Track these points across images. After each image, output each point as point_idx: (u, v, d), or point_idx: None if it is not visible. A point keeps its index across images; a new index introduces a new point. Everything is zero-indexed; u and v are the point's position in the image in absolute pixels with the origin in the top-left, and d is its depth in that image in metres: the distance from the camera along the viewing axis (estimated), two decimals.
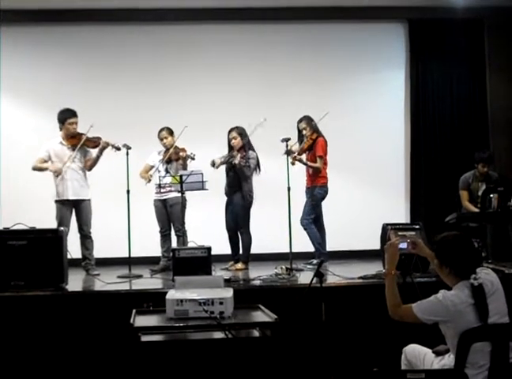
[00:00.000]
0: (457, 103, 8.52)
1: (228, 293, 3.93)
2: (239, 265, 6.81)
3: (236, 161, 6.70)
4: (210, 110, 7.87)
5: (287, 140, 6.62)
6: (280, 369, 3.81)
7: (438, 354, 3.43)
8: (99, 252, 6.76)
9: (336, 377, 3.51)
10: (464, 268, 3.24)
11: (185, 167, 6.78)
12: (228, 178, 6.93)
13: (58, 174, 6.45)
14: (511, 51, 8.46)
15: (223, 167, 6.96)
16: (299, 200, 6.95)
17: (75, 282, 5.81)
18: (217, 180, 6.94)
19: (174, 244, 6.83)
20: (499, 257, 6.46)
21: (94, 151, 6.64)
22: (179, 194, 6.57)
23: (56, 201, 6.53)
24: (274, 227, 7.48)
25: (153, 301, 4.42)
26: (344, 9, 8.24)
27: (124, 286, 5.71)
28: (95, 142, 6.55)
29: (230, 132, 6.93)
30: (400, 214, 8.26)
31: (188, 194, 6.73)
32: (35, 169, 6.57)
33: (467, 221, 6.69)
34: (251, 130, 6.74)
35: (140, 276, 6.27)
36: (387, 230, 6.12)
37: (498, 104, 8.47)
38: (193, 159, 6.68)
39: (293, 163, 6.68)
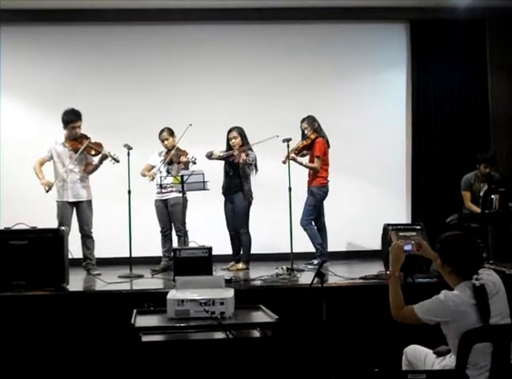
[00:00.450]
0: (458, 103, 8.52)
1: (229, 293, 3.93)
2: (240, 265, 6.81)
3: (241, 159, 6.70)
4: (211, 110, 7.87)
5: (288, 140, 6.61)
6: (281, 370, 3.81)
7: (439, 354, 3.43)
8: (100, 252, 6.77)
9: (337, 378, 3.51)
10: (466, 268, 3.24)
11: (187, 169, 6.78)
12: (228, 178, 6.92)
13: (48, 188, 6.43)
14: None
15: (221, 167, 6.95)
16: (301, 201, 6.95)
17: (76, 282, 5.81)
18: (218, 180, 6.96)
19: (175, 244, 6.83)
20: (500, 258, 6.45)
21: (95, 158, 6.66)
22: (180, 194, 6.58)
23: (57, 201, 6.53)
24: (275, 228, 7.48)
25: (154, 301, 4.43)
26: (346, 9, 8.23)
27: (125, 286, 5.71)
28: (96, 150, 6.56)
29: (230, 131, 6.93)
30: (402, 214, 8.26)
31: (189, 194, 6.74)
32: (34, 170, 6.57)
33: (468, 222, 6.68)
34: (260, 141, 6.74)
35: (141, 276, 6.27)
36: (388, 231, 6.12)
37: (499, 104, 8.46)
38: (194, 163, 6.68)
39: (284, 162, 6.64)
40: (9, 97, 8.06)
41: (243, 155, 6.69)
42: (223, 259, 6.86)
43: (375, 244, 6.73)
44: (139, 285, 5.78)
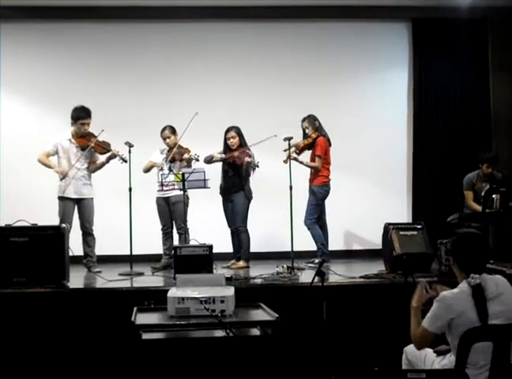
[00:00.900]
0: (459, 102, 8.50)
1: (230, 291, 3.94)
2: (241, 263, 6.81)
3: (245, 162, 6.69)
4: (212, 109, 7.84)
5: (289, 139, 6.61)
6: (281, 368, 3.81)
7: (439, 353, 3.43)
8: (100, 249, 6.77)
9: (337, 377, 3.51)
10: (468, 265, 3.25)
11: (189, 167, 6.78)
12: (228, 179, 6.91)
13: (63, 176, 6.44)
14: None
15: (219, 167, 6.95)
16: (302, 199, 6.95)
17: (76, 279, 5.81)
18: (219, 178, 6.95)
19: (176, 242, 6.83)
20: (501, 258, 6.45)
21: (101, 156, 6.65)
22: (182, 192, 6.58)
23: (59, 197, 6.53)
24: (276, 226, 7.48)
25: (154, 299, 4.44)
26: (348, 8, 8.22)
27: (125, 283, 5.72)
28: (103, 149, 6.55)
29: (228, 131, 6.92)
30: (402, 214, 8.26)
31: (190, 192, 6.74)
32: (40, 162, 6.56)
33: (469, 221, 6.67)
34: (259, 141, 6.73)
35: (141, 274, 6.28)
36: (389, 230, 6.14)
37: (501, 104, 8.45)
38: (197, 160, 6.68)
39: (286, 161, 6.64)
40: (9, 94, 8.04)
41: (247, 158, 6.69)
42: (223, 257, 6.86)
43: (376, 243, 6.74)
44: (139, 283, 5.78)
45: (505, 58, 8.45)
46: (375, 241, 6.80)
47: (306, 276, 5.71)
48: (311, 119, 7.04)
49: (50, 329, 4.99)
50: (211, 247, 5.81)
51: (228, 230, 7.03)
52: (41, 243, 5.34)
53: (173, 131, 6.93)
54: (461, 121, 8.48)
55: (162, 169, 6.84)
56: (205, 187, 6.51)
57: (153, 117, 7.66)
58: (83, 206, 6.56)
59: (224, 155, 6.85)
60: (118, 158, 6.50)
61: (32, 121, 8.05)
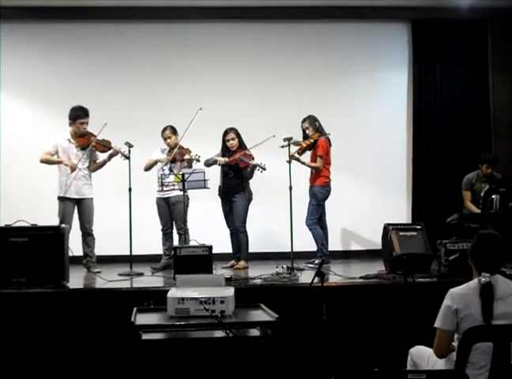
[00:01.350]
0: (459, 103, 8.50)
1: (229, 292, 3.93)
2: (241, 264, 6.81)
3: (251, 164, 6.68)
4: (211, 109, 7.80)
5: (289, 139, 6.61)
6: (281, 369, 3.81)
7: None
8: (100, 249, 6.76)
9: (336, 377, 3.51)
10: (481, 263, 3.27)
11: (190, 167, 6.78)
12: (229, 180, 6.90)
13: (72, 169, 6.41)
14: None
15: (218, 168, 6.96)
16: (302, 200, 6.95)
17: (76, 279, 5.81)
18: (218, 179, 6.95)
19: (175, 242, 6.83)
20: None
21: (101, 155, 6.65)
22: (182, 192, 6.58)
23: (59, 198, 6.52)
24: (276, 226, 7.48)
25: (154, 299, 4.43)
26: (347, 8, 8.22)
27: (125, 284, 5.71)
28: (104, 147, 6.54)
29: (227, 133, 6.91)
30: (402, 214, 8.25)
31: (189, 192, 6.74)
32: (43, 161, 6.53)
33: (468, 222, 6.68)
34: (259, 143, 6.72)
35: (141, 274, 6.28)
36: (388, 231, 6.13)
37: (500, 105, 8.45)
38: (198, 161, 6.68)
39: (289, 162, 6.65)
40: (9, 94, 8.04)
41: (252, 161, 6.69)
42: (223, 257, 6.87)
43: (376, 243, 6.74)
44: (139, 283, 5.78)
45: (505, 59, 8.46)
46: (375, 241, 6.79)
47: (306, 277, 5.70)
48: (312, 120, 7.04)
49: (50, 330, 4.99)
50: (211, 248, 5.81)
51: (228, 231, 7.03)
52: (41, 243, 5.33)
53: (174, 131, 6.93)
54: (460, 121, 8.48)
55: (166, 164, 6.82)
56: (204, 187, 6.51)
57: (153, 117, 7.67)
58: (83, 206, 6.55)
59: (227, 159, 6.83)
60: (120, 155, 6.49)
61: (31, 122, 8.04)
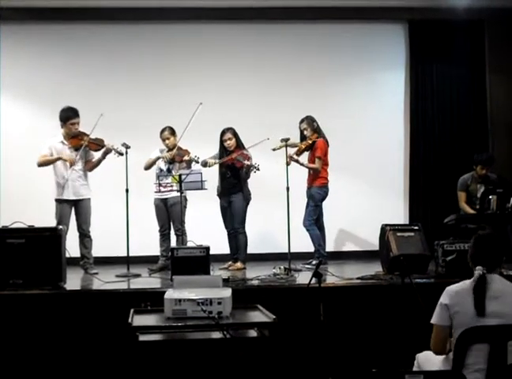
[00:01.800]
0: (456, 104, 8.51)
1: (227, 293, 3.93)
2: (238, 265, 6.81)
3: (245, 164, 6.68)
4: (210, 110, 7.81)
5: (286, 140, 6.62)
6: (278, 370, 3.81)
7: None
8: (97, 251, 6.76)
9: (334, 378, 3.51)
10: (479, 263, 3.28)
11: (189, 168, 6.77)
12: (226, 180, 6.90)
13: (72, 164, 6.41)
14: (511, 53, 8.46)
15: (216, 169, 6.95)
16: (299, 200, 6.95)
17: (73, 281, 5.80)
18: (216, 180, 6.95)
19: (173, 243, 6.82)
20: None
21: (96, 153, 6.64)
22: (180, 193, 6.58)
23: (56, 200, 6.52)
24: (273, 227, 7.48)
25: (151, 300, 4.42)
26: (344, 9, 8.22)
27: (122, 285, 5.71)
28: (97, 145, 6.54)
29: (224, 133, 6.91)
30: (400, 215, 8.26)
31: (188, 194, 6.74)
32: (42, 164, 6.52)
33: (466, 222, 6.69)
34: (253, 145, 6.73)
35: (138, 275, 6.27)
36: (386, 231, 6.13)
37: (498, 106, 8.46)
38: (197, 162, 6.68)
39: (288, 164, 6.66)
40: (9, 96, 8.04)
41: (247, 161, 6.68)
42: (220, 258, 6.87)
43: (373, 244, 6.74)
44: (136, 284, 5.78)
45: (501, 60, 8.46)
46: (372, 242, 6.80)
47: (304, 278, 5.70)
48: (310, 120, 7.03)
49: (47, 331, 4.98)
50: (208, 249, 5.80)
51: (225, 232, 7.03)
52: (38, 245, 5.31)
53: (172, 132, 6.92)
54: (457, 122, 8.48)
55: (168, 162, 6.80)
56: (202, 188, 6.51)
57: (151, 118, 7.67)
58: (80, 207, 6.54)
59: (217, 161, 6.82)
60: (113, 152, 6.48)
61: (30, 123, 8.04)
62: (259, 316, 3.97)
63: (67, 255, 5.60)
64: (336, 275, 5.86)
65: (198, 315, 3.73)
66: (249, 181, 6.92)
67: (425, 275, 5.75)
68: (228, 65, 8.21)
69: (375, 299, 5.26)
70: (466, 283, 3.26)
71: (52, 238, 5.39)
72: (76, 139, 6.52)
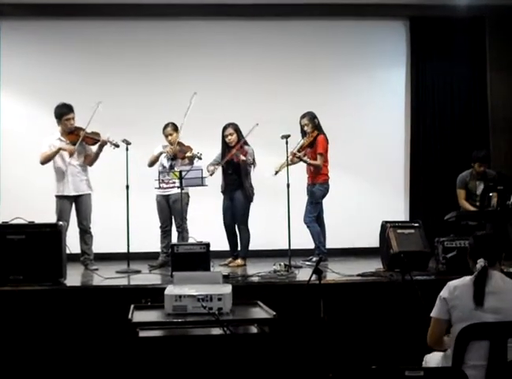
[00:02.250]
0: (457, 101, 8.51)
1: (227, 289, 3.93)
2: (238, 261, 6.81)
3: (241, 159, 6.68)
4: (210, 107, 7.82)
5: (286, 136, 6.61)
6: (279, 366, 3.81)
7: None
8: (97, 247, 6.76)
9: (334, 374, 3.51)
10: (476, 254, 3.32)
11: (191, 164, 6.76)
12: (228, 176, 6.90)
13: (71, 154, 6.43)
14: None
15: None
16: (299, 197, 6.94)
17: (73, 277, 5.80)
18: (217, 176, 6.94)
19: (174, 240, 6.82)
20: None
21: (93, 147, 6.63)
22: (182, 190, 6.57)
23: (56, 196, 6.52)
24: (273, 224, 7.47)
25: (152, 296, 4.43)
26: (345, 6, 8.21)
27: (122, 281, 5.72)
28: (93, 139, 6.55)
29: (225, 128, 6.90)
30: (400, 212, 8.26)
31: (190, 190, 6.73)
32: (44, 161, 6.52)
33: (466, 219, 6.69)
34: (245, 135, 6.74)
35: (138, 272, 6.27)
36: (386, 228, 6.13)
37: (498, 103, 8.46)
38: (200, 158, 6.66)
39: (292, 160, 6.67)
40: (9, 92, 8.04)
41: (242, 156, 6.67)
42: (221, 255, 6.86)
43: (373, 241, 6.73)
44: (137, 280, 5.78)
45: (502, 57, 8.46)
46: (373, 239, 6.78)
47: (304, 274, 5.69)
48: (311, 116, 7.01)
49: (47, 327, 4.98)
50: (208, 245, 5.80)
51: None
52: (38, 241, 5.32)
53: (175, 128, 6.90)
54: (458, 119, 8.49)
55: (171, 157, 6.80)
56: (202, 185, 6.50)
57: (151, 115, 7.68)
58: (81, 203, 6.55)
59: (216, 166, 6.77)
60: (109, 144, 6.48)
61: (30, 119, 8.03)
62: (259, 312, 3.97)
63: (67, 251, 5.60)
64: (336, 272, 5.86)
65: (198, 311, 3.72)
66: (252, 177, 6.91)
67: (425, 272, 5.75)
68: (229, 62, 8.20)
69: (375, 296, 5.26)
70: (467, 279, 3.27)
71: (52, 234, 5.40)
72: (73, 135, 6.54)
